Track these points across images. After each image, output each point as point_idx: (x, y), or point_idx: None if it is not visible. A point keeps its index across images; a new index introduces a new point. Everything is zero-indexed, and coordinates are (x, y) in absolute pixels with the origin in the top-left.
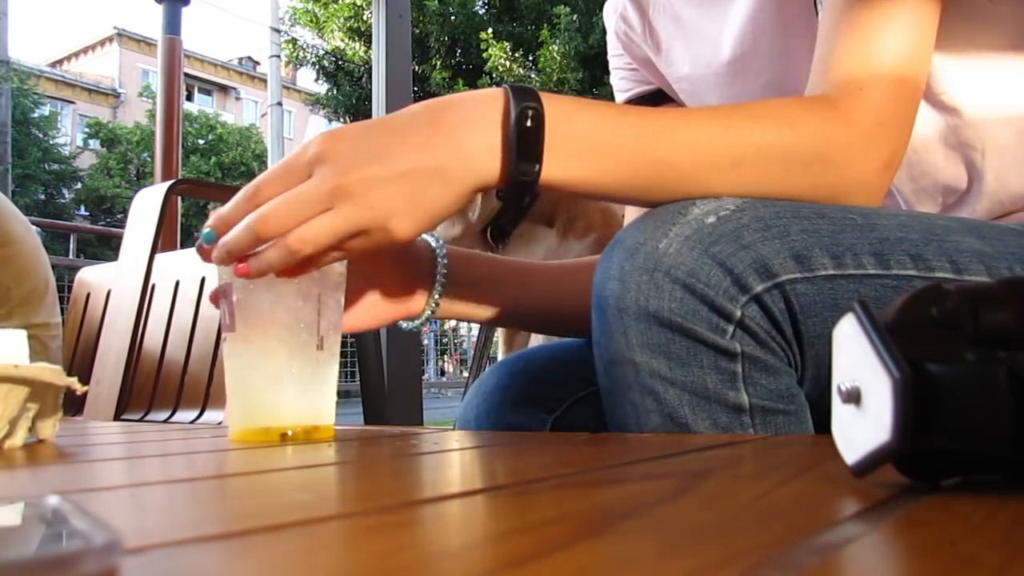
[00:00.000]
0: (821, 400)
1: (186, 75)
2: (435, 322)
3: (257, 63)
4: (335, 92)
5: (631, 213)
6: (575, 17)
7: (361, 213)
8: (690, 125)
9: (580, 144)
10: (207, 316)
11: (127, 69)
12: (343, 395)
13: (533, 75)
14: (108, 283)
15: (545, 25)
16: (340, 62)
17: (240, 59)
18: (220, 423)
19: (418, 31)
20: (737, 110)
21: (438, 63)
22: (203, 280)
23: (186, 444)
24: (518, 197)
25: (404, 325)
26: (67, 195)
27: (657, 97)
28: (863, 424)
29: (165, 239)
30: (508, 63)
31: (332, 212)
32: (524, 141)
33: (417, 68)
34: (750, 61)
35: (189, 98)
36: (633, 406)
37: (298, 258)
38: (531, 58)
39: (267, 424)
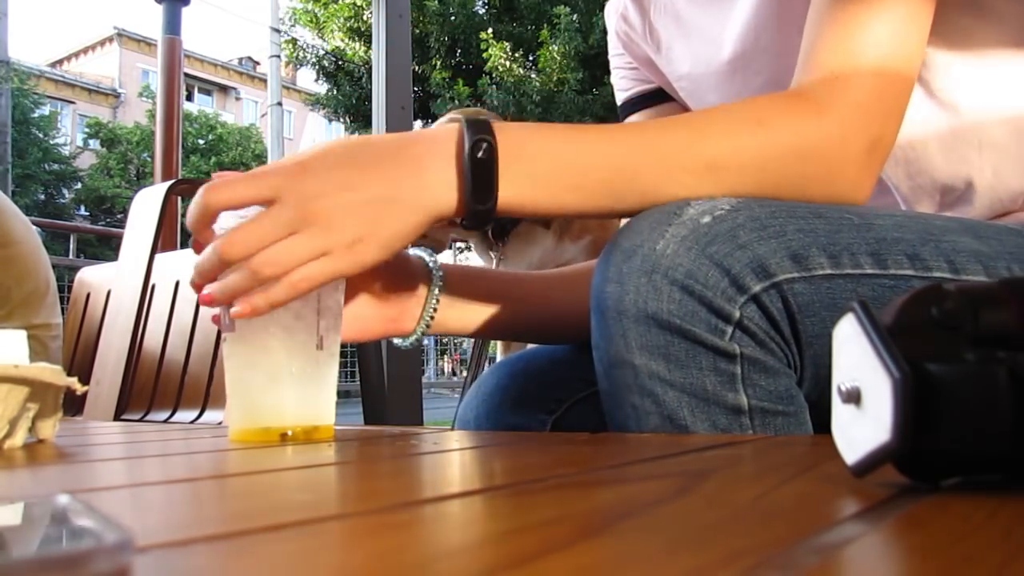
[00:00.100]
0: (820, 400)
1: (186, 75)
2: None
3: (257, 63)
4: (335, 92)
5: None
6: (575, 17)
7: (325, 236)
8: (654, 133)
9: (537, 167)
10: (207, 316)
11: (127, 69)
12: (343, 395)
13: (533, 75)
14: (108, 283)
15: (545, 25)
16: (340, 62)
17: (240, 59)
18: (220, 423)
19: (418, 31)
20: (703, 115)
21: (438, 63)
22: None
23: (186, 444)
24: (479, 225)
25: (397, 342)
26: (67, 195)
27: (657, 96)
28: (863, 424)
29: (165, 239)
30: (508, 63)
31: (296, 235)
32: (478, 172)
33: (417, 68)
34: (750, 59)
35: (189, 98)
36: (633, 408)
37: (260, 279)
38: (531, 58)
39: (267, 424)
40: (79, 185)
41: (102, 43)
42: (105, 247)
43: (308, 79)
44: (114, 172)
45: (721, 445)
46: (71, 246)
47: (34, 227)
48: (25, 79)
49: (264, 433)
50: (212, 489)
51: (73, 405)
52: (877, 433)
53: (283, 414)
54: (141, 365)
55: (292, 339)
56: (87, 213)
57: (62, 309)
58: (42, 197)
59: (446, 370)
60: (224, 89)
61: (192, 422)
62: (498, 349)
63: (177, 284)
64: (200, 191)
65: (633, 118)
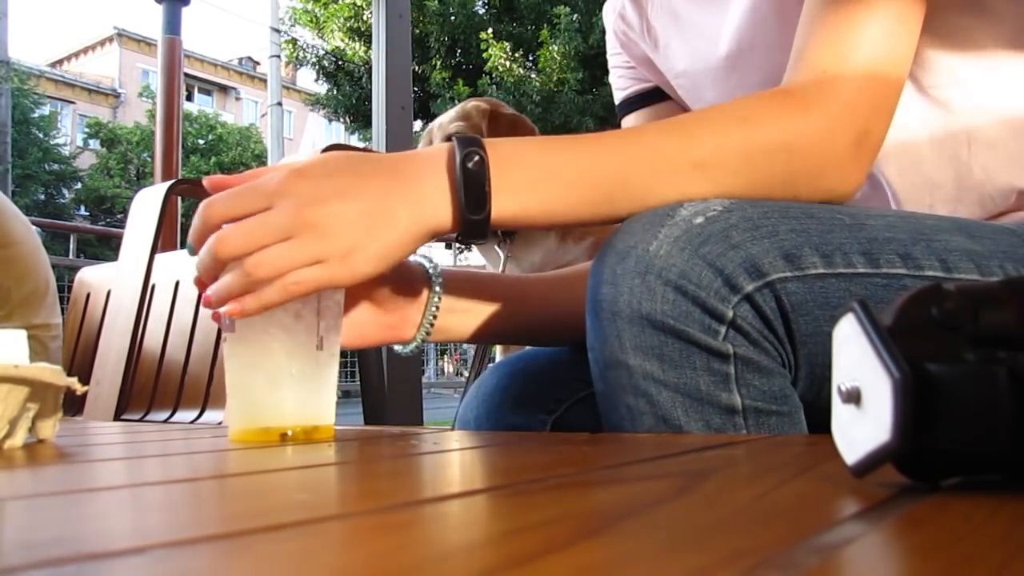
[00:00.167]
0: (816, 400)
1: (186, 75)
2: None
3: (257, 63)
4: (335, 92)
5: None
6: (575, 17)
7: (320, 242)
8: (641, 137)
9: (529, 176)
10: (207, 316)
11: (127, 69)
12: (343, 395)
13: (533, 75)
14: (108, 283)
15: (545, 25)
16: (340, 62)
17: (240, 59)
18: (220, 423)
19: (418, 31)
20: (691, 117)
21: (438, 63)
22: None
23: (186, 444)
24: (474, 238)
25: (398, 349)
26: (67, 195)
27: (655, 95)
28: (863, 424)
29: (165, 239)
30: (508, 63)
31: (291, 240)
32: (470, 185)
33: (417, 68)
34: (747, 56)
35: (189, 98)
36: (628, 409)
37: (254, 280)
38: (531, 58)
39: (267, 424)
40: (79, 185)
41: (102, 43)
42: (105, 247)
43: (308, 79)
44: (114, 172)
45: (720, 445)
46: (71, 246)
47: (34, 227)
48: (25, 79)
49: (264, 433)
50: (212, 489)
51: (73, 405)
52: (877, 433)
53: (283, 414)
54: (141, 365)
55: (292, 339)
56: (87, 213)
57: (62, 309)
58: (42, 197)
59: (446, 370)
60: (224, 89)
61: (192, 422)
62: (497, 349)
63: (177, 284)
64: (201, 207)
65: (631, 117)
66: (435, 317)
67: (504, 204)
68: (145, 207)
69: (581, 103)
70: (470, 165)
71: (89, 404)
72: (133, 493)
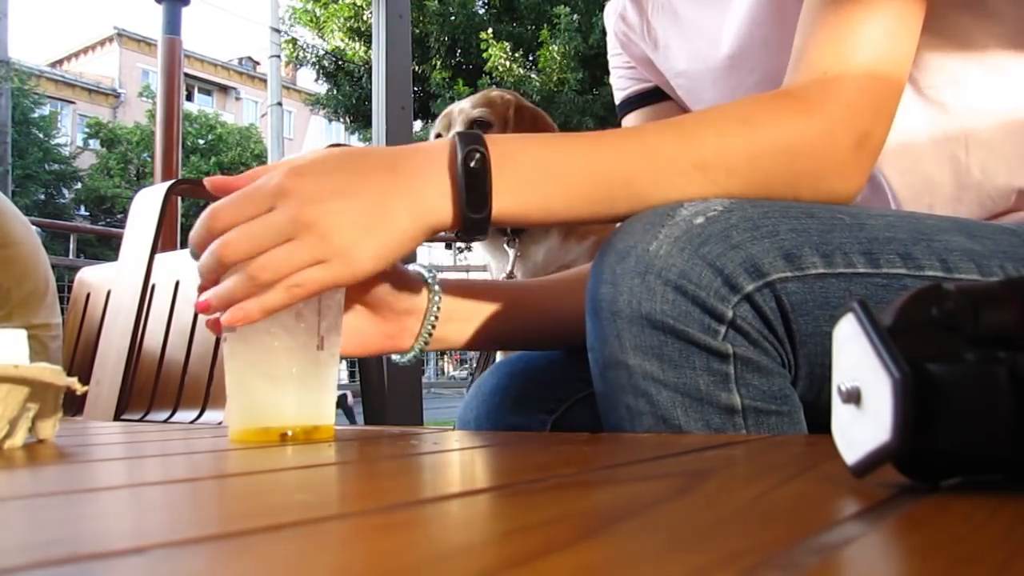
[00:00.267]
0: (816, 400)
1: (186, 75)
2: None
3: (257, 63)
4: (335, 92)
5: None
6: (575, 17)
7: (321, 243)
8: (643, 138)
9: (530, 175)
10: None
11: (127, 69)
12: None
13: (533, 75)
14: (108, 283)
15: (545, 25)
16: (340, 62)
17: (240, 59)
18: (220, 423)
19: (418, 31)
20: (692, 118)
21: (438, 63)
22: None
23: (186, 444)
24: (474, 236)
25: (396, 359)
26: (67, 195)
27: (655, 95)
28: (863, 424)
29: (165, 239)
30: (508, 63)
31: (293, 242)
32: (471, 181)
33: (417, 68)
34: (747, 56)
35: (189, 98)
36: (627, 409)
37: (258, 284)
38: (531, 58)
39: (267, 424)
40: (79, 185)
41: (102, 43)
42: (105, 247)
43: (308, 79)
44: (114, 172)
45: (720, 445)
46: (71, 246)
47: (34, 227)
48: (25, 79)
49: (264, 433)
50: (212, 489)
51: (73, 405)
52: (877, 433)
53: (283, 414)
54: (141, 365)
55: (293, 339)
56: (87, 213)
57: (62, 309)
58: (42, 197)
59: (446, 370)
60: (224, 89)
61: (192, 422)
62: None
63: (177, 284)
64: (205, 214)
65: (631, 116)
66: (434, 327)
67: (505, 202)
68: (145, 207)
69: (581, 103)
70: (472, 164)
71: (89, 404)
72: (133, 493)
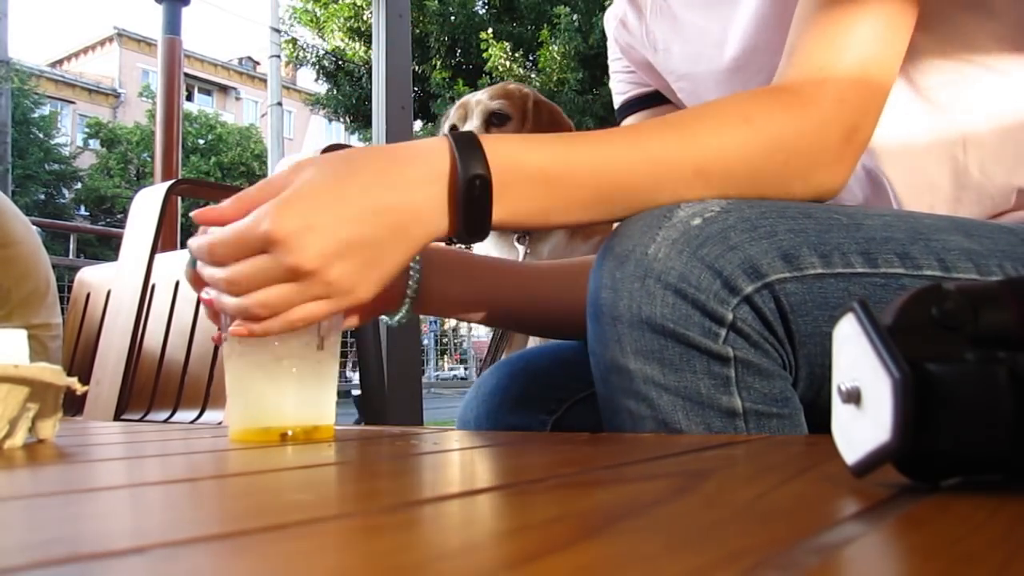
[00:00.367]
0: (816, 400)
1: (186, 75)
2: (435, 321)
3: (257, 63)
4: (335, 92)
5: None
6: (575, 17)
7: (321, 286)
8: (644, 142)
9: (529, 189)
10: (207, 316)
11: (127, 69)
12: (343, 395)
13: (533, 75)
14: (108, 283)
15: (545, 25)
16: (340, 62)
17: (240, 59)
18: (220, 423)
19: (418, 31)
20: (690, 116)
21: (438, 63)
22: None
23: (186, 444)
24: (472, 242)
25: (385, 320)
26: (67, 195)
27: (655, 98)
28: (863, 424)
29: (165, 239)
30: (508, 63)
31: (293, 285)
32: (472, 206)
33: (417, 68)
34: (751, 58)
35: (189, 98)
36: (628, 413)
37: (257, 318)
38: (531, 58)
39: (267, 424)
40: (79, 185)
41: (102, 43)
42: (105, 247)
43: (308, 79)
44: (114, 172)
45: (720, 445)
46: (71, 246)
47: (34, 227)
48: (25, 79)
49: (264, 433)
50: (212, 489)
51: (73, 405)
52: (877, 433)
53: (283, 414)
54: (141, 365)
55: (293, 339)
56: (87, 213)
57: (62, 309)
58: (42, 197)
59: (446, 368)
60: (224, 89)
61: (192, 422)
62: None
63: (177, 284)
64: (197, 254)
65: (630, 120)
66: (418, 284)
67: (504, 215)
68: (145, 207)
69: (581, 103)
70: (475, 192)
71: (89, 404)
72: (133, 493)
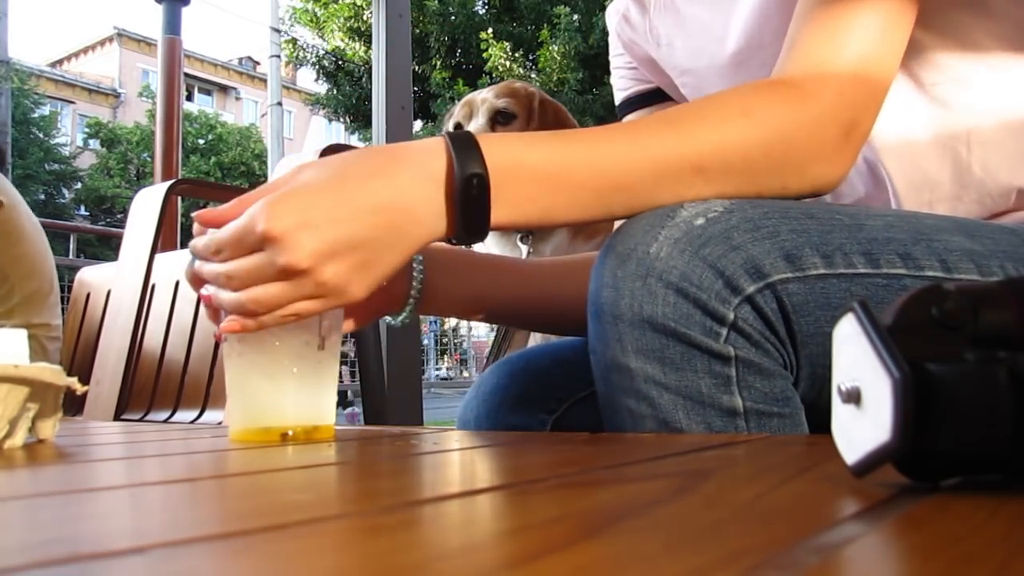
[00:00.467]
0: (817, 401)
1: (186, 75)
2: (435, 321)
3: (257, 63)
4: (335, 92)
5: None
6: (575, 17)
7: (315, 288)
8: (643, 139)
9: (528, 190)
10: (207, 316)
11: (127, 69)
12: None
13: (533, 75)
14: (108, 283)
15: (545, 25)
16: (340, 62)
17: (240, 59)
18: (220, 423)
19: (418, 31)
20: (689, 111)
21: (438, 63)
22: None
23: (186, 444)
24: (470, 243)
25: (388, 320)
26: (67, 195)
27: (656, 95)
28: (863, 424)
29: (165, 239)
30: (508, 63)
31: (287, 283)
32: (470, 208)
33: (417, 68)
34: (755, 52)
35: (189, 98)
36: (629, 412)
37: (251, 314)
38: (531, 58)
39: (267, 424)
40: (79, 185)
41: (102, 43)
42: (105, 247)
43: (308, 79)
44: (114, 172)
45: (720, 445)
46: (71, 246)
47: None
48: (25, 79)
49: (264, 433)
50: (212, 489)
51: (73, 405)
52: (877, 433)
53: (283, 414)
54: (141, 365)
55: (294, 339)
56: (87, 213)
57: (62, 310)
58: (42, 197)
59: (444, 368)
60: (224, 89)
61: (192, 422)
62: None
63: (177, 284)
64: (194, 253)
65: (630, 117)
66: (421, 284)
67: (502, 216)
68: (145, 207)
69: (581, 103)
70: (472, 192)
71: (89, 404)
72: (133, 493)
